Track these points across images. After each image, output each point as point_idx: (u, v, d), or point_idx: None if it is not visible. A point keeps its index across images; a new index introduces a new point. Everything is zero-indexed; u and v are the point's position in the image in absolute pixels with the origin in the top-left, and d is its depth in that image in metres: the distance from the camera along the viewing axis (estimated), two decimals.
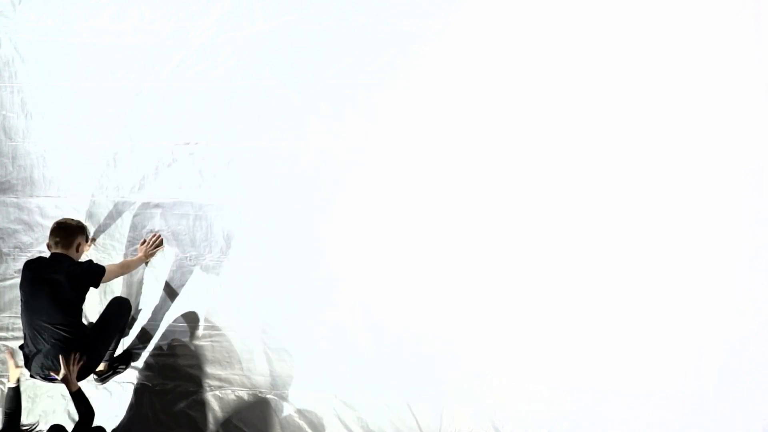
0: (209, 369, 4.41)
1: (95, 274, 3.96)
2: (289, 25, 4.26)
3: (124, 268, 4.25)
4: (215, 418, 4.40)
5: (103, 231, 4.49)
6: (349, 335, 4.24)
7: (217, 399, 4.40)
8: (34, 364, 3.92)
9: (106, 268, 4.02)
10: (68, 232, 3.97)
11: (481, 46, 4.11)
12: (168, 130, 4.40)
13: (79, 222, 4.08)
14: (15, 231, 4.58)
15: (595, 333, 4.02)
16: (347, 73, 4.22)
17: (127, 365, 4.45)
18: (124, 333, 4.37)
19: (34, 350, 3.91)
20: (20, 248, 4.51)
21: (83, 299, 3.98)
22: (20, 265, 4.45)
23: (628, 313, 4.00)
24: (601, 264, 4.02)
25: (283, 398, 4.33)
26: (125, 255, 4.50)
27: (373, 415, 4.22)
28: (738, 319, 3.92)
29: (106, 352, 4.18)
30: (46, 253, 4.00)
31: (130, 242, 4.47)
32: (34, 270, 3.92)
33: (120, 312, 4.21)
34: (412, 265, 4.18)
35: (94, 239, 4.47)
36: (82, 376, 3.97)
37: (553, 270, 4.05)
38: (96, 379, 4.40)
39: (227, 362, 4.39)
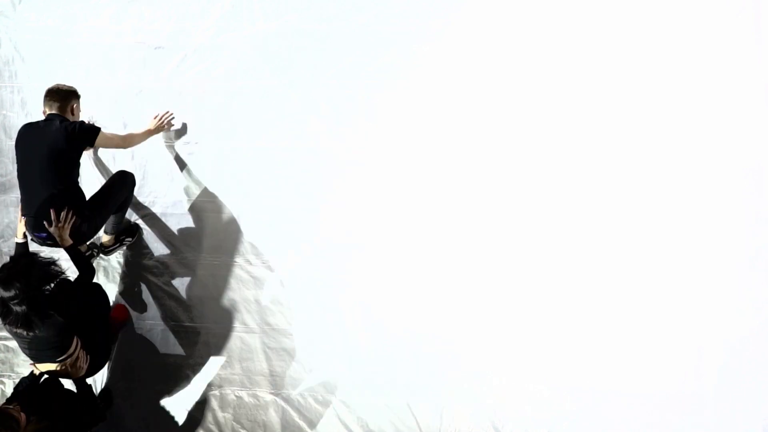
0: (209, 369, 4.42)
1: (91, 130, 3.91)
2: (289, 25, 4.26)
3: (126, 140, 4.15)
4: (215, 418, 4.40)
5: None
6: (349, 335, 4.25)
7: (217, 399, 4.40)
8: (28, 226, 3.91)
9: (107, 134, 3.98)
10: (63, 95, 3.94)
11: (481, 46, 4.11)
12: (168, 131, 4.40)
13: (72, 87, 4.02)
14: (16, 230, 4.57)
15: (595, 333, 4.03)
16: (347, 73, 4.21)
17: (133, 237, 4.42)
18: (126, 207, 4.30)
19: (32, 212, 3.88)
20: None
21: (78, 159, 3.93)
22: None
23: (628, 313, 4.00)
24: (601, 264, 4.02)
25: (283, 398, 4.34)
26: (126, 257, 4.50)
27: (373, 415, 4.23)
28: (738, 319, 3.92)
29: (102, 219, 4.10)
30: None
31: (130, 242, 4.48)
32: (31, 127, 3.89)
33: (122, 183, 4.17)
34: (412, 265, 4.18)
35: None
36: (77, 240, 3.92)
37: (553, 270, 4.05)
38: (103, 251, 4.37)
39: (227, 362, 4.40)
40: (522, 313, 4.08)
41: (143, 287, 4.48)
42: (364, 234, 4.22)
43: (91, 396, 3.87)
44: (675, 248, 3.95)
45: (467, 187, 4.13)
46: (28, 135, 3.89)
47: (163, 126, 4.33)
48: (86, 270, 3.89)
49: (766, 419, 3.90)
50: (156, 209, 4.45)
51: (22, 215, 3.97)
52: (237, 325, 4.38)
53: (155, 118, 4.33)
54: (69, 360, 3.70)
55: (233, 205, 4.37)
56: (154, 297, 4.47)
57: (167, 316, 4.45)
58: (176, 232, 4.43)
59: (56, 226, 3.81)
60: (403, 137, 4.18)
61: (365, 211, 4.22)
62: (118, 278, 4.51)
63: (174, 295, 4.44)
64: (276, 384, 4.36)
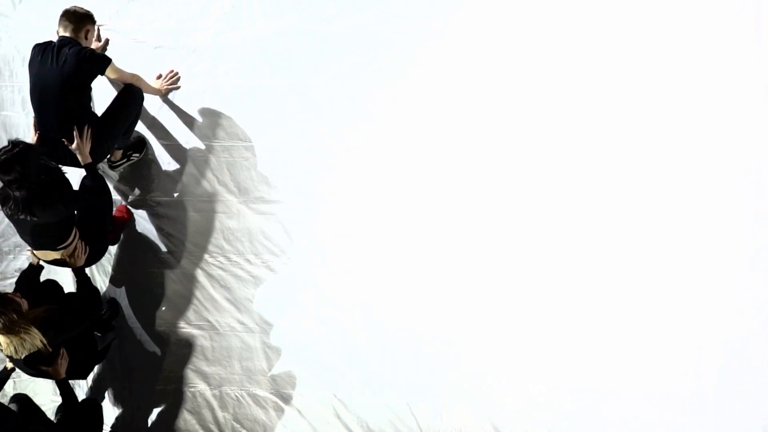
0: (209, 368, 4.42)
1: (102, 59, 3.91)
2: (289, 25, 4.26)
3: (135, 78, 4.14)
4: (215, 418, 4.40)
5: None
6: (349, 335, 4.24)
7: (217, 399, 4.41)
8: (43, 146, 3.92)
9: (117, 67, 3.97)
10: (78, 17, 3.92)
11: (481, 46, 4.11)
12: (168, 131, 4.41)
13: (89, 11, 4.00)
14: (15, 230, 4.58)
15: (595, 333, 4.02)
16: (347, 73, 4.22)
17: (140, 153, 4.40)
18: (135, 121, 4.27)
19: (44, 131, 3.92)
20: (21, 247, 4.51)
21: (89, 85, 3.94)
22: (20, 264, 4.48)
23: (628, 313, 4.00)
24: (601, 264, 4.01)
25: (283, 398, 4.34)
26: (125, 256, 4.50)
27: (373, 415, 4.23)
28: (738, 319, 3.92)
29: (113, 140, 4.10)
30: None
31: (127, 242, 4.48)
32: (43, 48, 3.89)
33: (129, 101, 4.13)
34: (412, 265, 4.18)
35: (107, 40, 4.41)
36: (95, 158, 3.95)
37: (553, 270, 4.05)
38: (109, 166, 4.38)
39: (227, 362, 4.40)
40: (522, 314, 4.08)
41: (142, 287, 4.48)
42: (364, 234, 4.22)
43: (93, 290, 4.00)
44: (675, 248, 3.95)
45: (467, 188, 4.13)
46: (42, 51, 3.87)
47: (170, 87, 4.35)
48: (102, 191, 3.95)
49: (766, 419, 3.90)
50: (155, 209, 4.45)
51: (37, 131, 3.99)
52: (237, 325, 4.38)
53: (159, 78, 4.34)
54: (68, 249, 3.81)
55: (233, 204, 4.37)
56: (154, 297, 4.47)
57: (167, 316, 4.45)
58: (175, 232, 4.43)
59: (79, 141, 3.83)
60: (403, 137, 4.18)
61: (365, 212, 4.22)
62: (117, 278, 4.51)
63: (173, 295, 4.44)
64: (276, 384, 4.36)
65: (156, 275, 4.46)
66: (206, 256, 4.40)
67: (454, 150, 4.14)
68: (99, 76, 3.95)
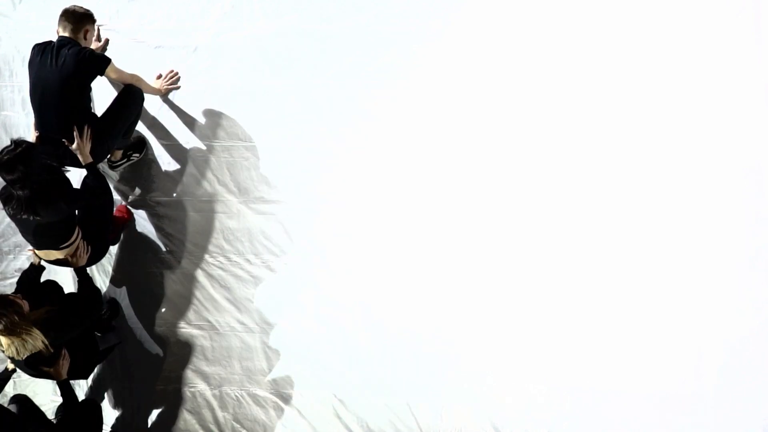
0: (209, 368, 4.42)
1: (101, 59, 3.91)
2: (289, 25, 4.26)
3: (135, 79, 4.13)
4: (215, 417, 4.40)
5: None
6: (349, 335, 4.25)
7: (217, 399, 4.41)
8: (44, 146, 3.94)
9: (117, 67, 3.97)
10: (77, 17, 3.91)
11: (481, 46, 4.11)
12: (168, 131, 4.41)
13: (88, 10, 3.99)
14: (15, 229, 4.58)
15: (595, 333, 4.03)
16: (347, 73, 4.22)
17: (140, 153, 4.39)
18: (136, 122, 4.25)
19: (44, 131, 3.94)
20: (21, 246, 4.52)
21: (88, 85, 3.94)
22: (20, 264, 4.48)
23: (628, 313, 4.00)
24: (601, 264, 4.01)
25: (283, 398, 4.34)
26: (125, 256, 4.50)
27: (373, 415, 4.23)
28: (738, 319, 3.92)
29: (113, 140, 4.09)
30: None
31: (127, 242, 4.48)
32: (42, 48, 3.89)
33: (129, 101, 4.11)
34: (412, 265, 4.18)
35: (107, 40, 4.41)
36: (95, 158, 3.97)
37: (552, 270, 4.05)
38: (109, 166, 4.38)
39: (227, 362, 4.40)
40: (521, 313, 4.08)
41: (142, 287, 4.48)
42: (364, 234, 4.22)
43: (94, 290, 4.02)
44: (675, 248, 3.95)
45: (467, 188, 4.13)
46: (39, 59, 3.87)
47: (170, 87, 4.35)
48: (103, 190, 3.96)
49: (766, 419, 3.90)
50: (155, 209, 4.45)
51: (36, 130, 4.00)
52: (237, 325, 4.38)
53: (159, 78, 4.34)
54: (70, 249, 3.84)
55: (233, 204, 4.37)
56: (154, 297, 4.47)
57: (167, 316, 4.45)
58: (175, 232, 4.43)
59: (79, 141, 3.85)
60: (403, 137, 4.19)
61: (365, 212, 4.22)
62: (117, 278, 4.51)
63: (173, 295, 4.45)
64: (276, 384, 4.36)
65: (156, 275, 4.46)
66: (206, 256, 4.41)
67: (454, 150, 4.14)
68: (99, 76, 3.95)
